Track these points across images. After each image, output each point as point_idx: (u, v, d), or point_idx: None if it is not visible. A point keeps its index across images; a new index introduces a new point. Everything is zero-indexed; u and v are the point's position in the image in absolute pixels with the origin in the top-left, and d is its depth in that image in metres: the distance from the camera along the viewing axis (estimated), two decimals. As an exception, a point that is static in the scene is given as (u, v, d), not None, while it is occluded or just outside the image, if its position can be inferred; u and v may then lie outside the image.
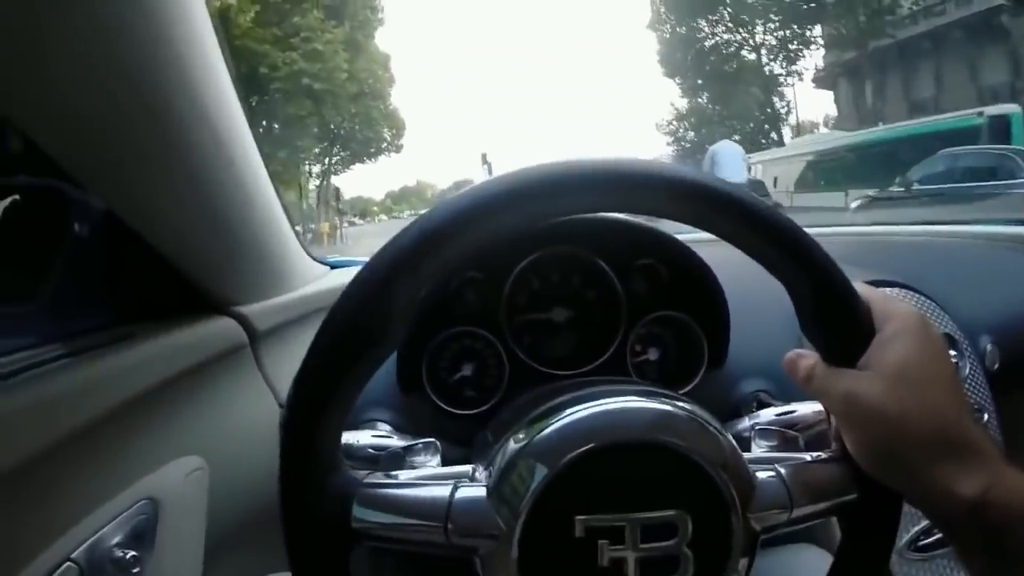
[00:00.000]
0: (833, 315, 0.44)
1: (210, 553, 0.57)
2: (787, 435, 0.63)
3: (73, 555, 0.44)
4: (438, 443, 0.52)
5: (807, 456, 0.50)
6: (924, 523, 0.82)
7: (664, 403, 0.43)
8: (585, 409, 0.42)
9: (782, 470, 0.46)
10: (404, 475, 0.46)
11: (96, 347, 0.54)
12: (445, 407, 0.75)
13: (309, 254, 0.99)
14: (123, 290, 0.67)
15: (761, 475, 0.45)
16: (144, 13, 0.47)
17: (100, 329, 0.60)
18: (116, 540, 0.48)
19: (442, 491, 0.42)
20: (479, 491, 0.42)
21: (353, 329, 0.39)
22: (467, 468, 0.47)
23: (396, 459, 0.52)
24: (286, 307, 0.81)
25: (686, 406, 0.44)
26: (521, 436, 0.43)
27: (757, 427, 0.62)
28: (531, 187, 0.40)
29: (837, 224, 1.49)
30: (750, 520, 0.43)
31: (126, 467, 0.52)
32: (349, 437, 0.64)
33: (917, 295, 0.95)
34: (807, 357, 0.47)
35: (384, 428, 0.73)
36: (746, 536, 0.43)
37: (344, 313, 0.39)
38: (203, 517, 0.57)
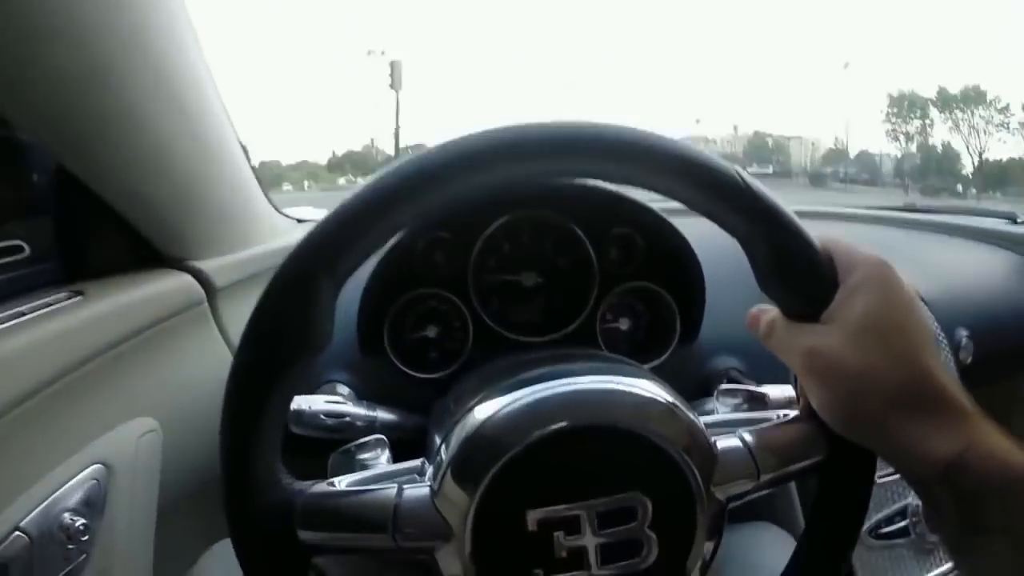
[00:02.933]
0: (790, 267, 0.42)
1: (163, 517, 0.56)
2: (753, 393, 0.62)
3: (21, 524, 0.43)
4: (385, 439, 0.51)
5: (773, 415, 0.49)
6: (887, 511, 0.83)
7: (620, 383, 0.42)
8: (542, 391, 0.41)
9: (746, 436, 0.44)
10: (348, 480, 0.44)
11: (46, 305, 0.52)
12: (406, 370, 0.74)
13: (277, 209, 0.97)
14: (74, 245, 0.64)
15: (723, 443, 0.43)
16: None
17: (50, 285, 0.58)
18: (66, 506, 0.47)
19: (387, 495, 0.40)
20: (424, 491, 0.40)
21: (274, 341, 0.37)
22: (416, 463, 0.45)
23: (343, 458, 0.50)
24: (246, 262, 0.78)
25: (644, 386, 0.42)
26: (482, 411, 0.41)
27: (721, 387, 0.62)
28: (457, 159, 0.38)
29: (812, 205, 1.47)
30: (714, 493, 0.42)
31: (77, 430, 0.50)
32: (302, 402, 0.62)
33: None
34: (768, 311, 0.46)
35: (342, 390, 0.72)
36: (711, 509, 0.42)
37: (263, 324, 0.37)
38: (156, 481, 0.56)
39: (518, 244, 0.79)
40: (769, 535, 0.77)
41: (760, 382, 0.72)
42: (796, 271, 0.42)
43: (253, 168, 0.82)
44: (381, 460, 0.52)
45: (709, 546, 0.42)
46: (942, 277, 1.07)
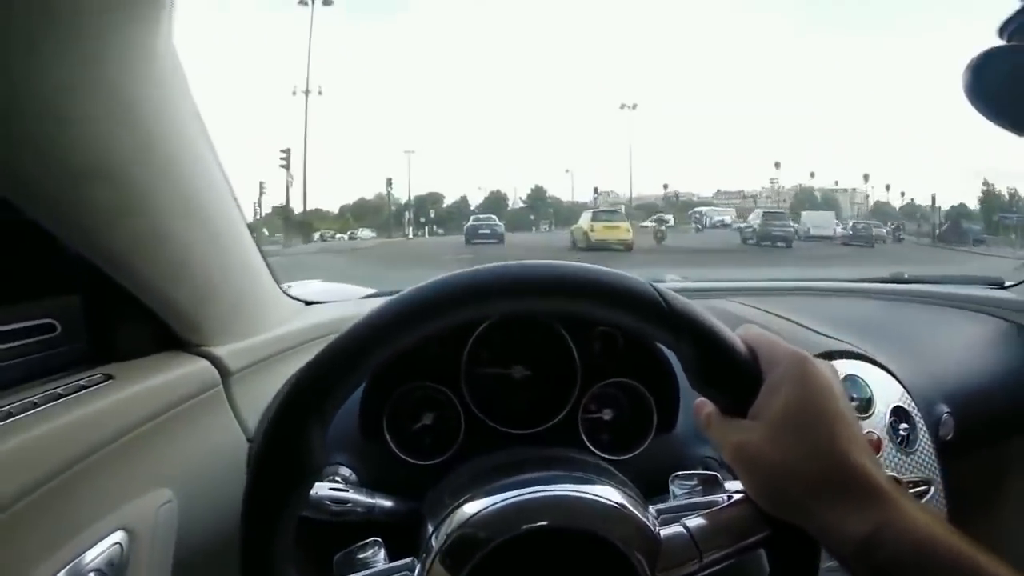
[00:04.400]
0: (716, 371, 0.48)
1: (177, 582, 0.61)
2: (706, 476, 0.66)
3: (50, 583, 0.48)
4: (381, 541, 0.58)
5: (720, 499, 0.54)
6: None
7: (580, 491, 0.50)
8: (519, 496, 0.49)
9: (689, 522, 0.50)
10: None
11: (77, 389, 0.59)
12: (403, 456, 0.80)
13: (285, 292, 1.04)
14: (100, 327, 0.71)
15: (667, 531, 0.49)
16: (114, 66, 0.52)
17: (81, 369, 0.65)
18: (91, 567, 0.52)
19: None
20: None
21: (277, 477, 0.45)
22: (408, 561, 0.52)
23: (347, 559, 0.57)
24: (258, 347, 0.86)
25: (600, 492, 0.50)
26: (460, 515, 0.49)
27: (675, 474, 0.66)
28: (410, 309, 0.46)
29: (788, 279, 1.49)
30: None
31: (102, 499, 0.56)
32: None
33: (870, 364, 0.98)
34: (707, 405, 0.51)
35: (344, 471, 0.78)
36: None
37: (266, 463, 0.45)
38: (171, 547, 0.61)
39: (507, 341, 0.85)
40: None
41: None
42: (721, 374, 0.48)
43: (264, 257, 0.91)
44: (379, 558, 0.57)
45: None
46: (923, 354, 1.09)
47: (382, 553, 0.58)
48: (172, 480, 0.65)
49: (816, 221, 21.12)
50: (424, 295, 0.46)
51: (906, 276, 1.59)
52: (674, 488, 0.62)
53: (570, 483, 0.51)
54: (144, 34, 0.53)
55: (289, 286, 1.11)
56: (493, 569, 0.47)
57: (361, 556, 0.57)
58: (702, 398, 0.52)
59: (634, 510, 0.49)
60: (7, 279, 0.65)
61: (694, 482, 0.63)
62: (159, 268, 0.66)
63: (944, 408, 1.00)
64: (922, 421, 0.96)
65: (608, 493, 0.50)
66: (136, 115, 0.56)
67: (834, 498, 0.42)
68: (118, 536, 0.55)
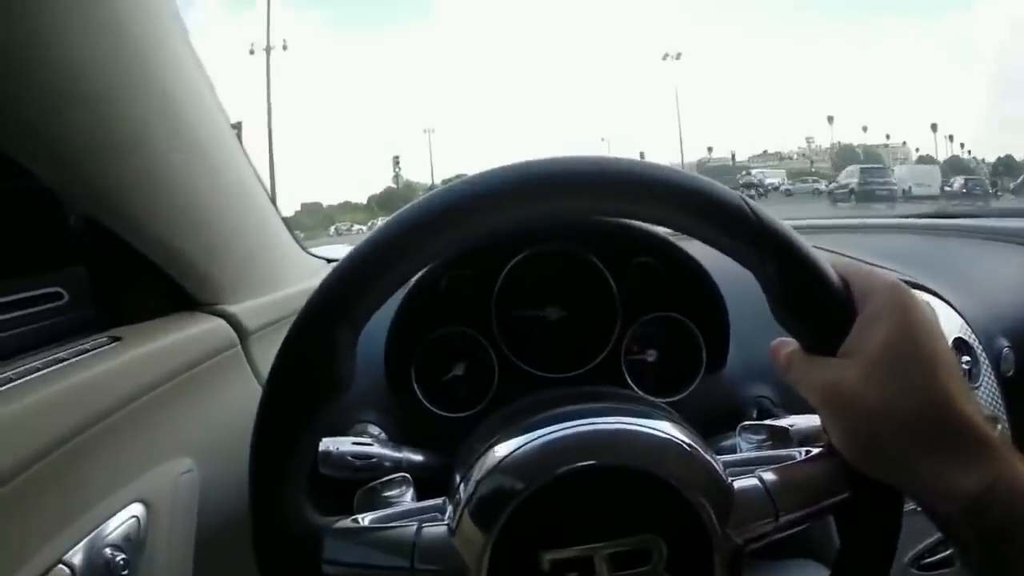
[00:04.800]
0: (805, 301, 0.42)
1: (200, 553, 0.58)
2: (775, 429, 0.60)
3: (65, 557, 0.45)
4: (410, 477, 0.52)
5: (796, 453, 0.48)
6: (928, 540, 0.77)
7: (636, 424, 0.42)
8: (558, 431, 0.41)
9: (765, 475, 0.44)
10: (372, 516, 0.45)
11: (85, 350, 0.54)
12: (434, 409, 0.75)
13: (305, 250, 1.00)
14: (110, 291, 0.67)
15: (741, 483, 0.43)
16: (121, 23, 0.48)
17: (90, 332, 0.61)
18: (108, 542, 0.48)
19: (407, 532, 0.41)
20: (442, 529, 0.41)
21: (296, 388, 0.39)
22: (438, 501, 0.46)
23: (369, 496, 0.51)
24: (277, 305, 0.81)
25: (660, 426, 0.42)
26: (499, 450, 0.41)
27: (743, 424, 0.61)
28: (462, 204, 0.39)
29: (838, 217, 1.43)
30: (731, 535, 0.41)
31: (118, 469, 0.52)
32: (330, 444, 0.64)
33: (930, 295, 0.91)
34: (788, 343, 0.45)
35: (373, 430, 0.73)
36: (728, 551, 0.41)
37: (284, 372, 0.39)
38: (193, 518, 0.58)
39: (540, 279, 0.79)
40: (808, 573, 0.74)
41: (791, 411, 0.71)
42: (811, 305, 0.42)
43: (280, 213, 0.86)
44: (406, 498, 0.52)
45: None
46: (978, 286, 1.03)
47: (410, 492, 0.53)
48: (191, 448, 0.61)
49: (918, 177, 17.65)
50: (478, 187, 0.39)
51: (950, 210, 1.53)
52: (740, 440, 0.57)
53: (621, 415, 0.42)
54: None
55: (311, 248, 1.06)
56: (535, 518, 0.39)
57: (386, 494, 0.52)
58: (780, 338, 0.46)
59: (704, 452, 0.42)
60: (12, 250, 0.62)
61: (762, 435, 0.58)
62: (163, 217, 0.61)
63: (1004, 342, 0.94)
64: (984, 355, 0.90)
65: (672, 430, 0.42)
66: (125, 39, 0.51)
67: (940, 448, 0.37)
68: (135, 509, 0.52)
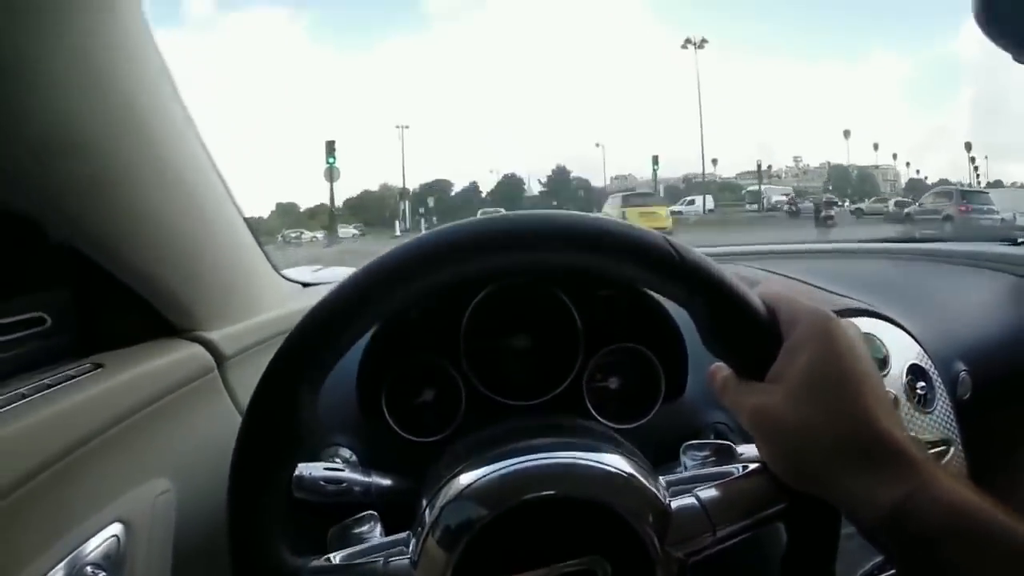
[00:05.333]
0: (733, 331, 0.45)
1: (178, 572, 0.60)
2: (719, 447, 0.64)
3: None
4: (377, 515, 0.55)
5: (734, 470, 0.51)
6: (876, 559, 0.80)
7: (583, 458, 0.46)
8: (519, 463, 0.45)
9: (701, 493, 0.47)
10: (343, 555, 0.49)
11: (69, 377, 0.57)
12: (404, 434, 0.78)
13: (280, 274, 1.02)
14: (90, 317, 0.69)
15: (678, 503, 0.46)
16: (80, 32, 0.50)
17: (72, 357, 0.63)
18: (88, 560, 0.50)
19: (375, 568, 0.46)
20: (405, 562, 0.46)
21: (264, 448, 0.44)
22: (403, 536, 0.50)
23: (341, 533, 0.54)
24: (253, 330, 0.83)
25: (605, 459, 0.46)
26: (455, 486, 0.45)
27: (686, 444, 0.64)
28: (402, 264, 0.43)
29: (798, 241, 1.47)
30: (670, 552, 0.45)
31: (98, 491, 0.55)
32: (303, 469, 0.66)
33: (885, 322, 0.95)
34: (723, 369, 0.48)
35: (344, 453, 0.76)
36: (669, 567, 0.45)
37: (253, 431, 0.44)
38: (171, 538, 0.60)
39: (506, 309, 0.82)
40: None
41: (746, 435, 0.74)
42: (738, 334, 0.45)
43: (257, 239, 0.88)
44: (375, 533, 0.55)
45: None
46: (937, 311, 1.06)
47: (378, 528, 0.56)
48: (169, 469, 0.63)
49: (1020, 204, 14.66)
50: (420, 248, 0.44)
51: (916, 235, 1.57)
52: (685, 459, 0.60)
53: (574, 450, 0.47)
54: None
55: (284, 271, 1.08)
56: (491, 545, 0.43)
57: (356, 531, 0.55)
58: (717, 363, 0.50)
59: (643, 480, 0.46)
60: None
61: (706, 452, 0.61)
62: (142, 245, 0.64)
63: (961, 366, 0.98)
64: (939, 380, 0.94)
65: (615, 461, 0.46)
66: (105, 83, 0.54)
67: (861, 464, 0.39)
68: (115, 528, 0.54)
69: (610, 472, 0.45)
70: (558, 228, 0.44)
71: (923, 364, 0.93)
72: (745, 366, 0.46)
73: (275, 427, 0.43)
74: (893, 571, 0.79)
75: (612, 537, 0.44)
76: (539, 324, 0.83)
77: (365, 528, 0.55)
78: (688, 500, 0.47)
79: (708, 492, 0.48)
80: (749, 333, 0.45)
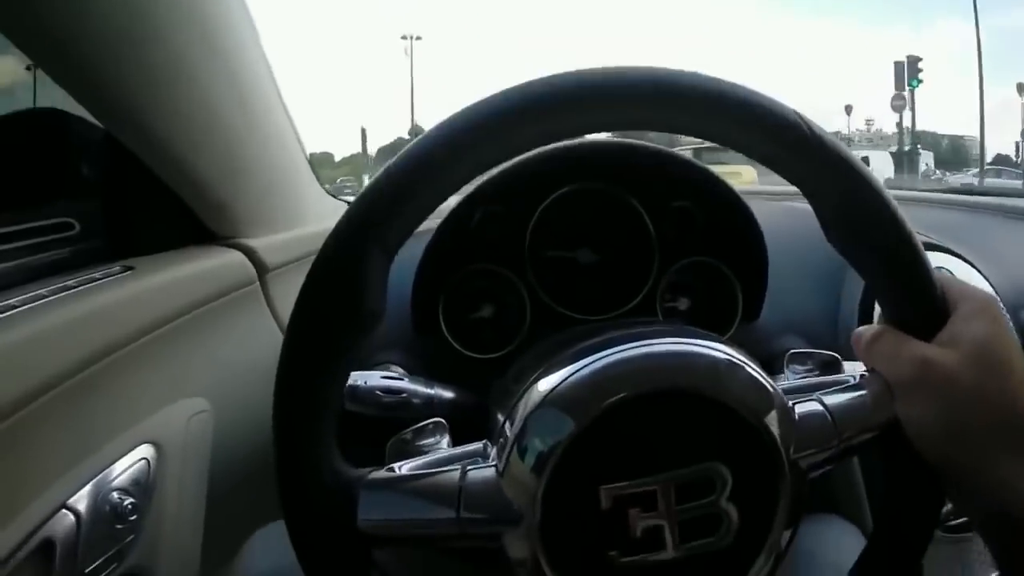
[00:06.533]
0: (910, 286, 0.41)
1: (213, 498, 0.55)
2: (824, 357, 0.59)
3: (69, 501, 0.42)
4: (444, 422, 0.49)
5: (849, 378, 0.46)
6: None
7: (693, 345, 0.39)
8: (621, 351, 0.38)
9: (825, 399, 0.42)
10: (409, 465, 0.41)
11: (96, 279, 0.51)
12: (462, 350, 0.72)
13: (328, 192, 0.96)
14: (123, 222, 0.64)
15: (802, 408, 0.41)
16: None
17: (100, 262, 0.57)
18: (114, 485, 0.46)
19: (451, 477, 0.38)
20: (489, 472, 0.38)
21: (324, 323, 0.35)
22: (479, 445, 0.43)
23: (401, 445, 0.48)
24: (297, 242, 0.77)
25: (719, 348, 0.40)
26: (545, 383, 0.38)
27: (790, 353, 0.58)
28: (506, 111, 0.36)
29: None
30: (796, 460, 0.39)
31: (126, 409, 0.49)
32: (357, 378, 0.60)
33: (958, 259, 0.90)
34: (873, 326, 0.45)
35: (396, 370, 0.70)
36: (793, 477, 0.39)
37: (311, 304, 0.35)
38: (206, 462, 0.55)
39: (575, 218, 0.76)
40: (836, 529, 0.73)
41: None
42: (915, 289, 0.42)
43: (305, 149, 0.82)
44: (442, 444, 0.49)
45: (787, 533, 0.40)
46: (1004, 260, 1.01)
47: (446, 439, 0.49)
48: (205, 388, 0.58)
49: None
50: (519, 96, 0.36)
51: (976, 187, 1.54)
52: (788, 372, 0.54)
53: (674, 336, 0.39)
54: None
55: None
56: (588, 453, 0.36)
57: (420, 442, 0.49)
58: (864, 327, 0.45)
59: (761, 371, 0.39)
60: (21, 179, 0.59)
61: (809, 364, 0.55)
62: (187, 138, 0.57)
63: None
64: (1010, 323, 0.88)
65: (726, 349, 0.39)
66: None
67: (1012, 447, 0.38)
68: (145, 450, 0.49)
69: (727, 361, 0.39)
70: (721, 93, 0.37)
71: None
72: (916, 321, 0.42)
73: (341, 297, 0.35)
74: (957, 522, 0.78)
75: (732, 440, 0.38)
76: (609, 235, 0.77)
77: (431, 439, 0.49)
78: (812, 405, 0.42)
79: (832, 397, 0.42)
80: (927, 291, 0.42)
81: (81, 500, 0.43)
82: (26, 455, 0.41)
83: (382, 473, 0.40)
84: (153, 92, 0.52)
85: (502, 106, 0.36)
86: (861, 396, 0.43)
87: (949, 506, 0.72)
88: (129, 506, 0.45)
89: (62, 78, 0.48)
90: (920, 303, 0.42)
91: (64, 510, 0.41)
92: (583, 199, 0.75)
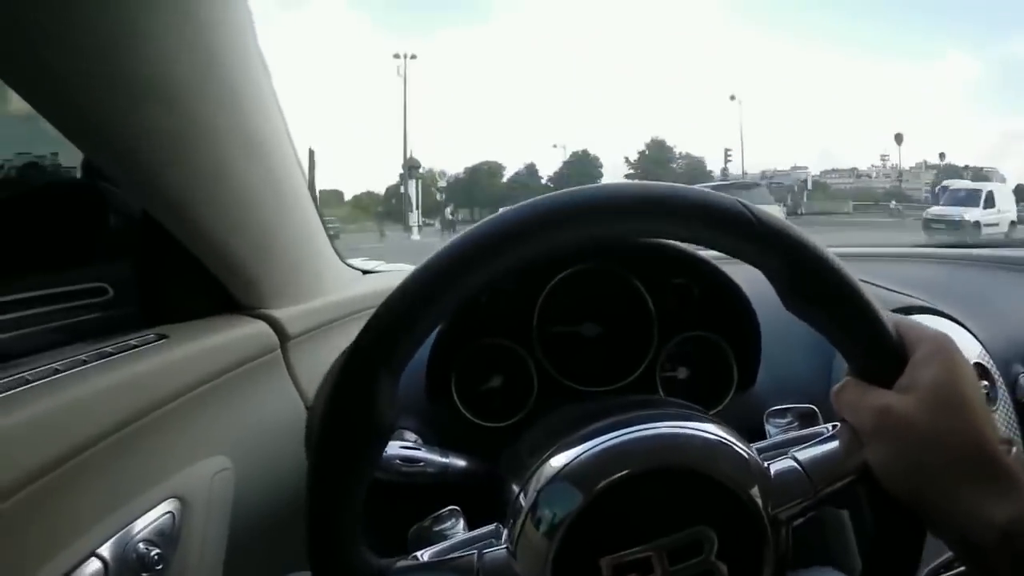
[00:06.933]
0: (866, 339, 0.45)
1: (233, 552, 0.58)
2: (801, 411, 0.62)
3: (98, 550, 0.45)
4: (459, 509, 0.53)
5: (823, 430, 0.50)
6: (945, 555, 0.78)
7: (680, 427, 0.45)
8: (625, 435, 0.43)
9: (798, 455, 0.46)
10: (431, 551, 0.46)
11: (131, 347, 0.55)
12: (473, 419, 0.75)
13: (343, 260, 1.01)
14: (154, 290, 0.69)
15: (776, 466, 0.45)
16: (182, 17, 0.49)
17: (131, 327, 0.62)
18: (141, 536, 0.49)
19: (468, 561, 0.43)
20: (502, 552, 0.43)
21: (344, 438, 0.40)
22: (492, 527, 0.47)
23: (423, 532, 0.52)
24: (317, 311, 0.82)
25: (701, 427, 0.45)
26: (557, 460, 0.44)
27: (769, 412, 0.60)
28: (490, 240, 0.41)
29: (853, 245, 1.45)
30: (775, 515, 0.43)
31: (154, 465, 0.53)
32: None
33: (948, 320, 0.92)
34: (843, 380, 0.48)
35: (409, 436, 0.73)
36: (775, 531, 0.43)
37: (332, 420, 0.41)
38: (228, 517, 0.58)
39: (580, 296, 0.80)
40: None
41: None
42: (868, 341, 0.45)
43: (323, 220, 0.87)
44: (458, 529, 0.53)
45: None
46: (995, 314, 1.03)
47: (461, 523, 0.54)
48: (228, 447, 0.61)
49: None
50: (497, 226, 0.41)
51: (969, 241, 1.53)
52: (769, 427, 0.56)
53: (667, 420, 0.45)
54: None
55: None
56: (592, 526, 0.41)
57: (438, 528, 0.53)
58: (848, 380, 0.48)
59: (740, 444, 0.45)
60: (58, 245, 0.63)
61: (789, 418, 0.57)
62: (215, 212, 0.62)
63: (1021, 368, 0.95)
64: (1001, 380, 0.91)
65: (710, 429, 0.45)
66: (197, 37, 0.52)
67: (977, 480, 0.41)
68: (170, 505, 0.52)
69: (708, 439, 0.44)
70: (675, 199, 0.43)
71: (985, 363, 0.91)
72: (875, 371, 0.45)
73: (356, 416, 0.40)
74: (958, 570, 0.76)
75: (715, 505, 0.43)
76: (612, 310, 0.81)
77: (447, 524, 0.53)
78: (786, 462, 0.46)
79: (804, 452, 0.47)
80: (883, 342, 0.45)
81: (109, 549, 0.46)
82: (62, 506, 0.44)
83: (407, 561, 0.44)
84: (195, 183, 0.58)
85: (479, 238, 0.41)
86: (833, 446, 0.46)
87: (940, 560, 0.73)
88: (155, 556, 0.49)
89: (113, 170, 0.54)
90: (875, 353, 0.45)
91: (93, 557, 0.45)
92: (587, 278, 0.79)
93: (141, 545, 0.48)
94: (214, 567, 0.56)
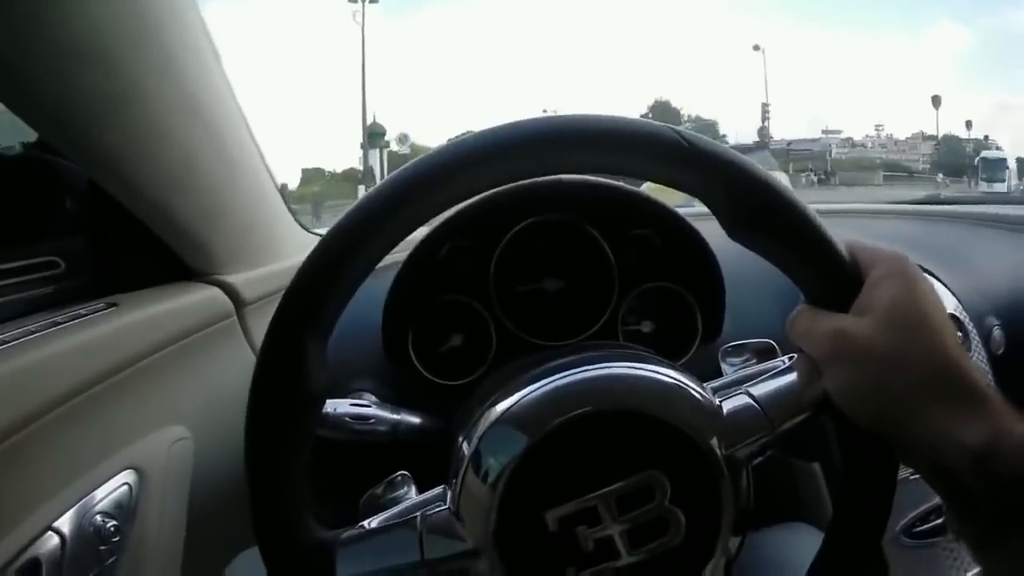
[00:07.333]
0: (819, 262, 0.43)
1: (193, 522, 0.57)
2: (758, 346, 0.60)
3: (54, 523, 0.44)
4: (410, 475, 0.52)
5: (780, 363, 0.48)
6: (921, 508, 0.79)
7: (650, 370, 0.43)
8: (572, 374, 0.42)
9: (752, 390, 0.45)
10: (379, 519, 0.45)
11: (82, 315, 0.54)
12: (432, 378, 0.75)
13: (302, 225, 0.99)
14: (107, 260, 0.66)
15: (730, 404, 0.44)
16: None
17: (85, 298, 0.60)
18: (98, 509, 0.48)
19: (412, 526, 0.42)
20: (444, 513, 0.42)
21: (275, 401, 0.39)
22: (438, 490, 0.46)
23: (373, 500, 0.52)
24: (274, 276, 0.80)
25: (669, 372, 0.43)
26: (502, 404, 0.42)
27: (723, 350, 0.59)
28: (412, 184, 0.39)
29: (831, 201, 1.45)
30: (731, 454, 0.42)
31: (110, 436, 0.52)
32: (328, 405, 0.63)
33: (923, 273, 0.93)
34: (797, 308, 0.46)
35: (369, 398, 0.73)
36: (731, 472, 0.41)
37: (263, 385, 0.39)
38: (187, 487, 0.57)
39: (538, 249, 0.79)
40: (801, 535, 0.76)
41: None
42: (820, 264, 0.43)
43: (277, 184, 0.85)
44: (410, 494, 0.52)
45: (736, 536, 0.42)
46: (968, 268, 1.04)
47: (413, 489, 0.53)
48: (186, 416, 0.60)
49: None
50: (422, 166, 0.39)
51: (942, 196, 1.55)
52: (724, 366, 0.56)
53: (612, 361, 0.43)
54: None
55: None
56: (537, 474, 0.39)
57: (391, 495, 0.52)
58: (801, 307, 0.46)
59: (689, 383, 0.43)
60: (8, 219, 0.61)
61: (746, 355, 0.56)
62: (160, 178, 0.60)
63: (994, 321, 0.96)
64: (975, 332, 0.92)
65: (657, 370, 0.43)
66: (135, 3, 0.50)
67: (946, 400, 0.38)
68: (127, 476, 0.51)
69: (653, 379, 0.43)
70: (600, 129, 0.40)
71: (959, 315, 0.92)
72: (829, 295, 0.43)
73: (285, 386, 0.39)
74: (935, 522, 0.80)
75: (666, 448, 0.41)
76: (572, 264, 0.80)
77: (401, 491, 0.52)
78: (740, 398, 0.44)
79: (759, 387, 0.45)
80: (836, 264, 0.42)
81: (66, 522, 0.45)
82: (15, 480, 0.43)
83: (354, 532, 0.43)
84: (131, 142, 0.55)
85: (394, 187, 0.39)
86: (790, 379, 0.45)
87: (915, 511, 0.73)
88: (112, 528, 0.48)
89: (47, 131, 0.52)
90: (828, 277, 0.43)
91: (50, 531, 0.44)
92: (545, 231, 0.78)
93: (98, 518, 0.47)
94: (174, 538, 0.55)
